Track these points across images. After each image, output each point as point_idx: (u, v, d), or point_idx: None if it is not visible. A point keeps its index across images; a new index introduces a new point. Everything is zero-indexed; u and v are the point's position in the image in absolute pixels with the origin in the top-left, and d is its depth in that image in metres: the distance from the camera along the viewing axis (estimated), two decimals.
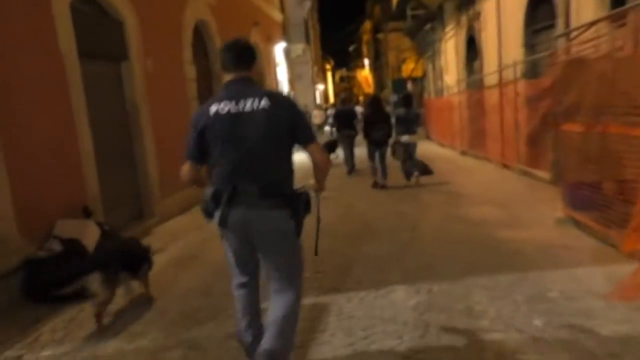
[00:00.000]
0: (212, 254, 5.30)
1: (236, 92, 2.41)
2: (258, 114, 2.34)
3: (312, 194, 2.59)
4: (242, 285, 2.61)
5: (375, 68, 52.86)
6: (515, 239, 5.08)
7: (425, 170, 9.66)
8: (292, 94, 19.52)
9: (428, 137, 19.98)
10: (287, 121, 2.40)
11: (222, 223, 2.40)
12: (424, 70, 23.31)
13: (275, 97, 2.46)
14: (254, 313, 2.63)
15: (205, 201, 2.46)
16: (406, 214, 6.70)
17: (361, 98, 40.56)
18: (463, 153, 13.44)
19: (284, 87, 18.50)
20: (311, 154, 2.49)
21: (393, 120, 8.80)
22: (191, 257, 5.44)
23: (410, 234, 5.65)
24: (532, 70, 8.62)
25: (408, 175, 8.69)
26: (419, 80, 24.23)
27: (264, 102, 2.36)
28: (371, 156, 8.69)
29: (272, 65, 16.33)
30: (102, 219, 5.58)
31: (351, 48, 65.29)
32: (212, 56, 10.27)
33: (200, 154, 2.49)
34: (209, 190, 2.45)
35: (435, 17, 16.61)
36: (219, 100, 2.41)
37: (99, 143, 5.89)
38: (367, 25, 52.93)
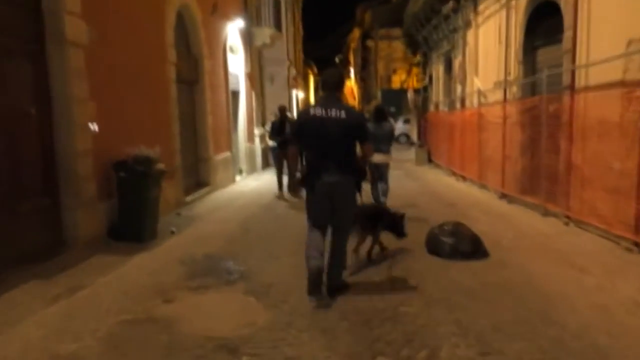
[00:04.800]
0: None
1: (326, 103, 3.85)
2: (337, 120, 3.76)
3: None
4: (317, 232, 3.95)
5: (362, 78, 48.10)
6: None
7: (478, 249, 4.67)
8: (252, 94, 14.15)
9: (431, 161, 15.00)
10: (355, 128, 3.87)
11: (312, 188, 3.89)
12: (425, 78, 18.21)
13: (350, 111, 3.91)
14: (320, 250, 3.91)
15: (302, 175, 4.03)
16: None
17: None
18: (505, 197, 8.38)
19: (240, 82, 13.08)
20: (362, 148, 3.97)
21: None
22: None
23: None
24: None
25: (377, 200, 7.61)
26: (421, 91, 19.10)
27: (342, 113, 3.78)
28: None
29: (217, 48, 10.94)
30: None
31: (337, 58, 60.26)
32: None
33: (299, 139, 4.02)
34: (305, 167, 4.03)
35: None
36: (314, 107, 3.90)
37: None
38: (356, 32, 48.18)
